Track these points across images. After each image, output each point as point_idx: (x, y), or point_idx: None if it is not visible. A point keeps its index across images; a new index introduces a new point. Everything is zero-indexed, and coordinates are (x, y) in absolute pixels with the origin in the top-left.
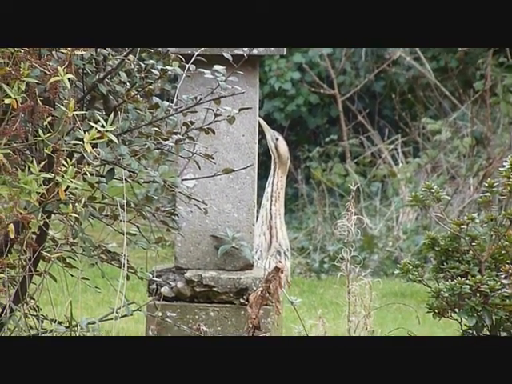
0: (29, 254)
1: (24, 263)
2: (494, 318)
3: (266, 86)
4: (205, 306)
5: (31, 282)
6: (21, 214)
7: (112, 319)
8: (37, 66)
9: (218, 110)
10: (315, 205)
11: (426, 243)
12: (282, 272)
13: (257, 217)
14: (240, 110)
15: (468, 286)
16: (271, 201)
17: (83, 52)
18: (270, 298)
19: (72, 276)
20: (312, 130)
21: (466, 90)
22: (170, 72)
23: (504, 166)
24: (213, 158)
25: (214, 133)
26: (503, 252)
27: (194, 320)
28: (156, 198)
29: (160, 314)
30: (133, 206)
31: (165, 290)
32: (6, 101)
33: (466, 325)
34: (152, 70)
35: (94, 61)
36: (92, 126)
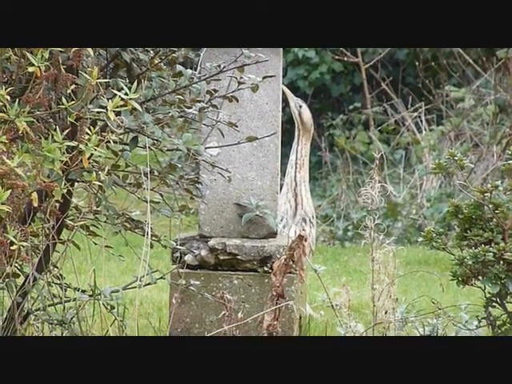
0: (52, 223)
1: (47, 231)
2: None
3: (289, 53)
4: (228, 274)
5: (54, 250)
6: (44, 182)
7: (136, 287)
8: None
9: (241, 77)
10: (339, 172)
11: (450, 211)
12: (305, 240)
13: (281, 185)
14: (264, 77)
15: (491, 254)
16: (296, 168)
17: None
18: (293, 265)
19: (95, 244)
20: (335, 97)
21: (489, 57)
22: None
23: None
24: (236, 126)
25: (237, 101)
26: None
27: (217, 288)
28: (179, 166)
29: (184, 282)
30: (156, 174)
31: (188, 258)
32: (30, 69)
33: (489, 292)
34: None
35: None
36: (115, 94)
